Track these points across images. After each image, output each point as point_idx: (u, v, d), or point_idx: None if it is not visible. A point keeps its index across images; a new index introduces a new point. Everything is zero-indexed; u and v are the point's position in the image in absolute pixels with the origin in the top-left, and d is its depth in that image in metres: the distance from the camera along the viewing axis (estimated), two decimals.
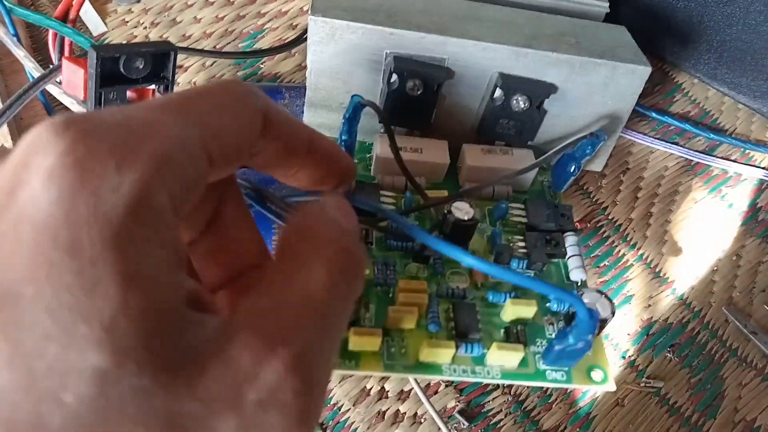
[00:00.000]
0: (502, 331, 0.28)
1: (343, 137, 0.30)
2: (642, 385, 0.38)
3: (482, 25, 0.32)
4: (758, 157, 0.45)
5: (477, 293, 0.29)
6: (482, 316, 0.28)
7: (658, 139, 0.45)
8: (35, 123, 0.40)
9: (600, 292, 0.27)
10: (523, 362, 0.27)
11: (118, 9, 0.47)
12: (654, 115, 0.46)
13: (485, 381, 0.27)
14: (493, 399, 0.37)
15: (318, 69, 0.31)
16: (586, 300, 0.25)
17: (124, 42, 0.45)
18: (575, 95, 0.32)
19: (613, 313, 0.26)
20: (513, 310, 0.28)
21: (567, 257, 0.30)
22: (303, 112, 0.33)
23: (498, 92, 0.31)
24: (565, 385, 0.27)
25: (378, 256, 0.29)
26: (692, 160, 0.45)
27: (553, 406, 0.37)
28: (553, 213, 0.31)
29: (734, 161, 0.45)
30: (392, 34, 0.30)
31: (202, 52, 0.43)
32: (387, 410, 0.35)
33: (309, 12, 0.29)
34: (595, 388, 0.34)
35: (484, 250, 0.30)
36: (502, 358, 0.27)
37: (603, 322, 0.26)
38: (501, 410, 0.37)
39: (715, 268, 0.42)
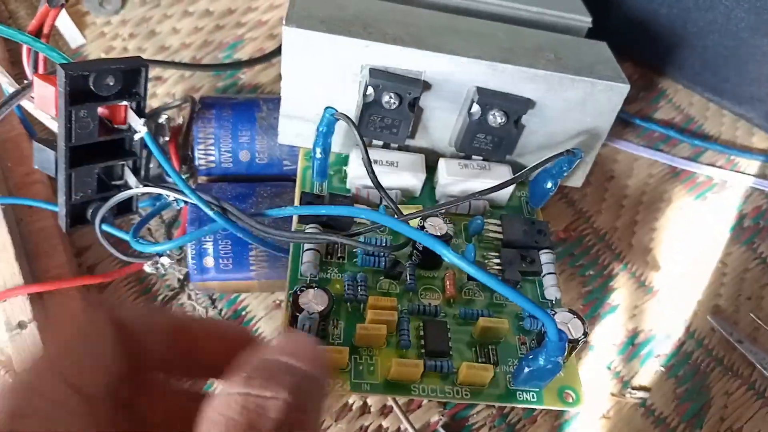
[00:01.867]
0: (473, 349, 0.28)
1: (317, 149, 0.30)
2: (627, 396, 0.38)
3: (460, 39, 0.31)
4: (743, 163, 0.45)
5: (449, 310, 0.29)
6: (453, 334, 0.27)
7: (642, 146, 0.45)
8: (13, 137, 0.40)
9: (573, 312, 0.26)
10: (494, 382, 0.27)
11: (96, 21, 0.46)
12: (638, 122, 0.45)
13: (455, 401, 0.26)
14: (477, 413, 0.37)
15: (293, 80, 0.30)
16: (557, 320, 0.24)
17: (102, 54, 0.45)
18: (553, 111, 0.32)
19: (585, 334, 0.26)
20: (484, 329, 0.27)
21: (542, 275, 0.30)
22: None
23: (475, 107, 0.31)
24: (535, 406, 0.27)
25: (349, 271, 0.28)
26: (677, 167, 0.45)
27: (538, 419, 0.37)
28: (529, 229, 0.31)
29: (719, 168, 0.45)
30: (368, 47, 0.29)
31: (180, 65, 0.43)
32: (369, 426, 0.35)
33: (283, 22, 0.29)
34: (566, 409, 0.34)
35: None
36: (472, 378, 0.26)
37: (574, 343, 0.26)
38: (485, 424, 0.37)
39: (701, 277, 0.41)
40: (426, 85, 0.30)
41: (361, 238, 0.29)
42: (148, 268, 0.35)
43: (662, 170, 0.45)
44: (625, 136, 0.46)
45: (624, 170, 0.44)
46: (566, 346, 0.24)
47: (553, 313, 0.26)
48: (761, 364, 0.38)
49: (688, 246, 0.42)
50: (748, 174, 0.45)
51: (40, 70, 0.37)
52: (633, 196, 0.44)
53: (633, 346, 0.39)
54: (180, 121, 0.40)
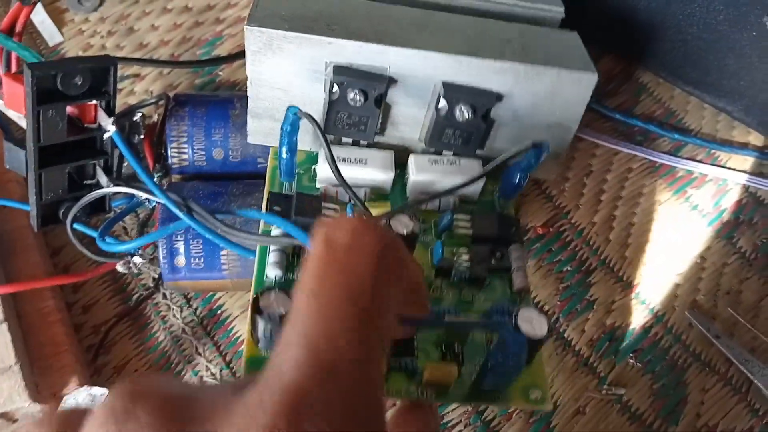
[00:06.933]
0: (440, 348, 0.27)
1: (283, 149, 0.29)
2: (604, 392, 0.38)
3: (426, 33, 0.31)
4: (723, 157, 0.45)
5: None
6: (419, 332, 0.27)
7: (622, 140, 0.45)
8: None
9: (537, 309, 0.26)
10: (459, 382, 0.26)
11: (75, 18, 0.46)
12: (618, 116, 0.45)
13: (419, 401, 0.26)
14: (452, 410, 0.37)
15: (258, 80, 0.30)
16: (521, 316, 0.24)
17: (80, 52, 0.45)
18: (522, 104, 0.32)
19: (550, 330, 0.25)
20: (449, 328, 0.27)
21: (512, 270, 0.30)
22: None
23: (442, 102, 0.30)
24: (500, 406, 0.27)
25: None
26: (656, 162, 0.44)
27: (513, 416, 0.37)
28: (499, 224, 0.30)
29: (699, 161, 0.44)
30: (331, 44, 0.29)
31: (157, 62, 0.42)
32: None
33: (246, 22, 0.29)
34: (532, 408, 0.33)
35: (428, 263, 0.30)
36: (437, 378, 0.26)
37: (538, 342, 0.25)
38: (461, 421, 0.37)
39: (679, 271, 0.41)
40: (392, 81, 0.30)
41: None
42: (120, 267, 0.35)
43: (641, 164, 0.44)
44: (605, 130, 0.45)
45: (602, 165, 0.44)
46: (525, 344, 0.24)
47: (516, 311, 0.26)
48: (738, 360, 0.38)
49: (667, 241, 0.42)
50: (729, 168, 0.44)
51: (13, 68, 0.37)
52: (611, 191, 0.43)
53: (610, 342, 0.39)
54: (155, 118, 0.40)
